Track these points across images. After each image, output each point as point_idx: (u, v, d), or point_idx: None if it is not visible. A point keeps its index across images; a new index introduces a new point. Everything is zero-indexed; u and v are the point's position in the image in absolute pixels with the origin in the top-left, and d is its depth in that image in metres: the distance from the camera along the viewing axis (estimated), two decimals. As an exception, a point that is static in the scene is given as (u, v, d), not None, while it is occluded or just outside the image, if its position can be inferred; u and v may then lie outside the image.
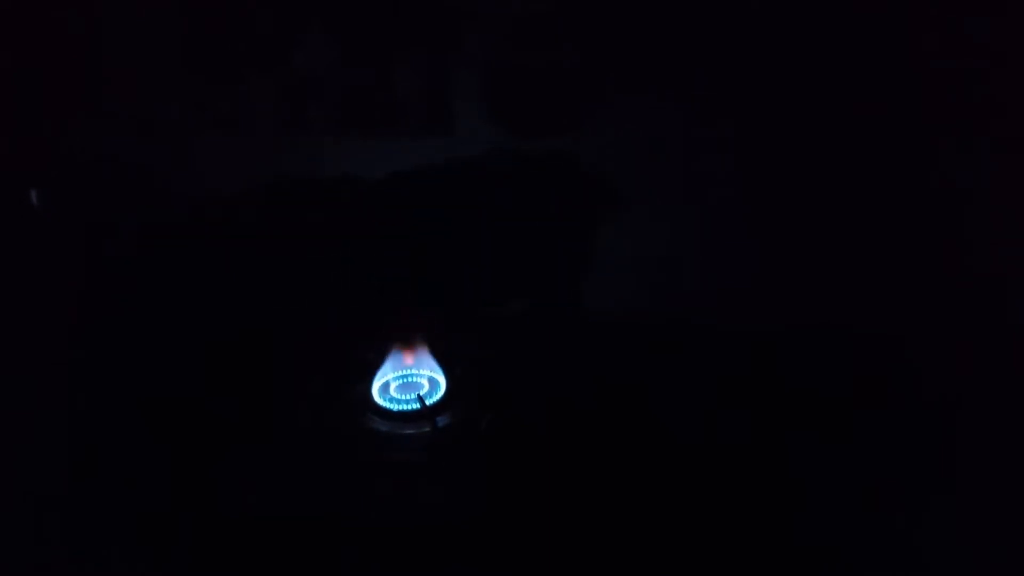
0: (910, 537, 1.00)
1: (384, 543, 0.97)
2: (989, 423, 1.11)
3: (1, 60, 1.16)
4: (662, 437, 1.13)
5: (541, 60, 1.20)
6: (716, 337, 1.29)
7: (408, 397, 1.16)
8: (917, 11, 1.12)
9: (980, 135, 1.18)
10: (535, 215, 1.30)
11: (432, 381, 1.20)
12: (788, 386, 1.20)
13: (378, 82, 1.21)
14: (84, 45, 1.17)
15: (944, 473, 1.07)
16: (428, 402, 1.15)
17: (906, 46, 1.15)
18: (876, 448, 1.10)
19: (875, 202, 1.24)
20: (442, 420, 1.14)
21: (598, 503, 1.03)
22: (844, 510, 1.03)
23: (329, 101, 1.23)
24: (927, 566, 0.97)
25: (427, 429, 1.12)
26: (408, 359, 1.21)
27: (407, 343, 1.22)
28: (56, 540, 0.96)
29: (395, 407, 1.15)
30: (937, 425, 1.13)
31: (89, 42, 1.17)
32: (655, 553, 0.97)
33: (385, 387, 1.19)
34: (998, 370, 1.17)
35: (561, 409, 1.18)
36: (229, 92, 1.21)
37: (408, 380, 1.21)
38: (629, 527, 1.00)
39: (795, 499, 1.04)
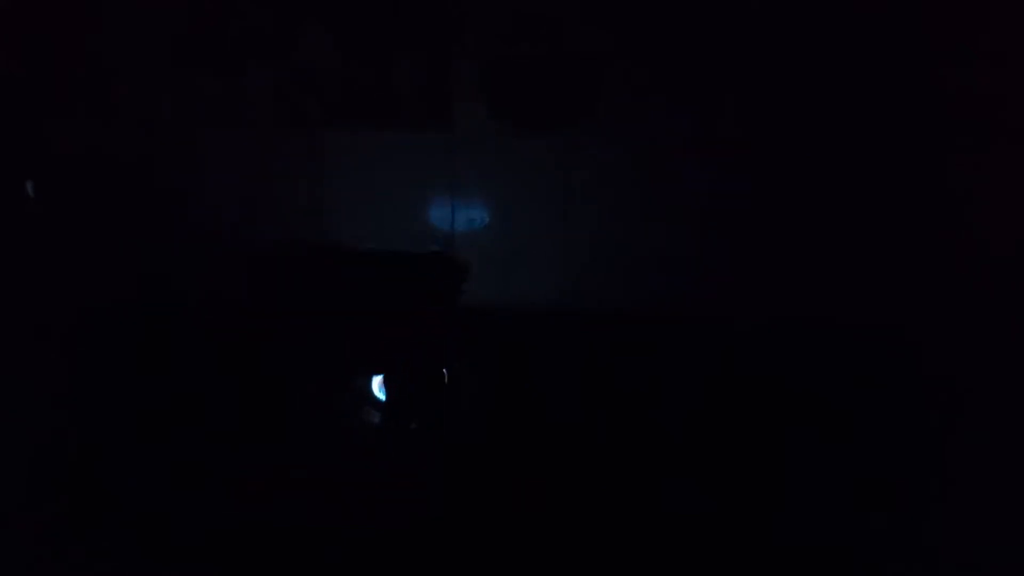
0: (909, 536, 1.00)
1: (381, 538, 0.98)
2: (988, 421, 1.12)
3: (1, 57, 1.15)
4: (661, 436, 1.14)
5: (541, 55, 1.19)
6: (714, 336, 1.29)
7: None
8: (913, 10, 1.11)
9: (978, 129, 1.17)
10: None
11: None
12: (787, 384, 1.21)
13: (378, 76, 1.20)
14: (83, 41, 1.17)
15: (942, 472, 1.08)
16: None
17: (899, 44, 1.14)
18: (874, 446, 1.11)
19: (872, 201, 1.23)
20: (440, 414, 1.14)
21: (596, 501, 1.03)
22: (842, 509, 1.03)
23: (329, 95, 1.22)
24: (926, 565, 0.98)
25: (426, 424, 1.13)
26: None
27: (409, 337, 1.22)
28: (56, 540, 0.97)
29: (393, 402, 1.16)
30: (936, 424, 1.13)
31: (88, 38, 1.17)
32: (653, 551, 0.98)
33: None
34: (997, 368, 1.17)
35: (560, 405, 1.18)
36: (229, 86, 1.21)
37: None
38: (627, 525, 1.01)
39: (793, 498, 1.05)
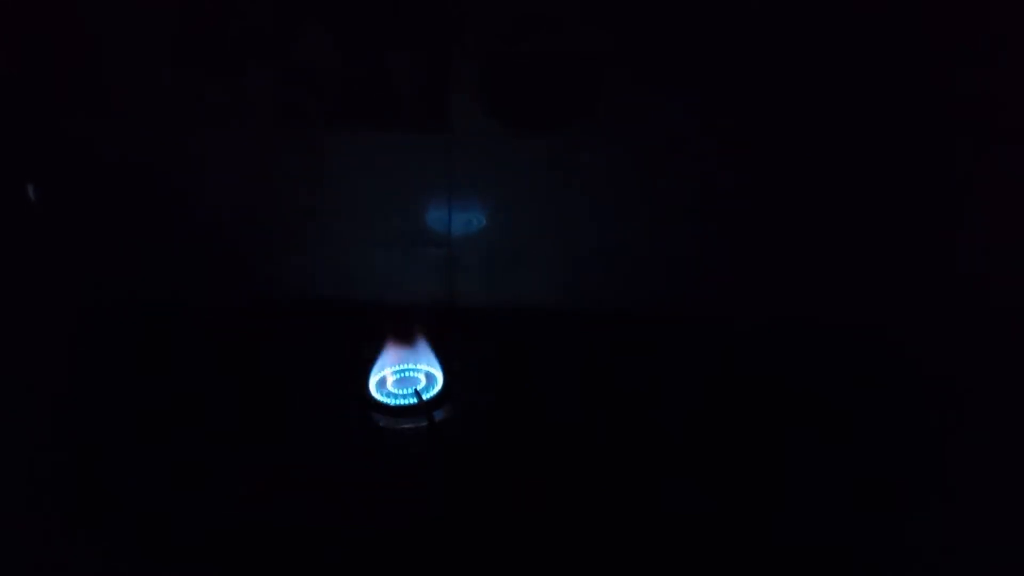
0: (909, 536, 1.00)
1: (381, 538, 0.98)
2: (988, 421, 1.12)
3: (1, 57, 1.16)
4: (661, 436, 1.14)
5: (541, 55, 1.19)
6: (714, 336, 1.29)
7: (405, 392, 1.17)
8: (913, 10, 1.11)
9: (978, 129, 1.17)
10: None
11: (429, 376, 1.20)
12: (787, 384, 1.21)
13: (376, 77, 1.20)
14: (82, 39, 1.17)
15: (942, 472, 1.08)
16: (425, 397, 1.16)
17: (899, 44, 1.14)
18: (874, 446, 1.11)
19: (871, 201, 1.24)
20: (439, 415, 1.14)
21: (596, 501, 1.03)
22: (842, 509, 1.03)
23: (329, 95, 1.22)
24: (926, 565, 0.97)
25: (424, 424, 1.13)
26: (406, 354, 1.22)
27: (405, 338, 1.22)
28: (57, 540, 0.97)
29: (392, 402, 1.15)
30: (936, 423, 1.13)
31: (86, 36, 1.17)
32: (653, 551, 0.98)
33: (382, 382, 1.19)
34: (997, 368, 1.17)
35: (560, 405, 1.18)
36: (227, 85, 1.21)
37: (405, 375, 1.21)
38: (627, 525, 1.01)
39: (793, 498, 1.05)
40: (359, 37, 1.18)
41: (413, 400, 1.15)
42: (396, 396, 1.17)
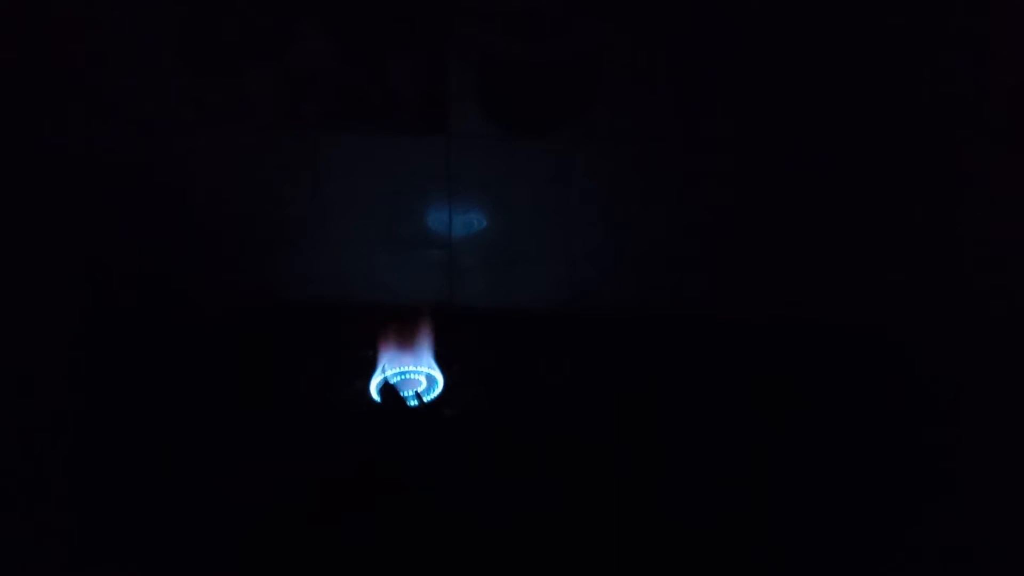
0: (908, 536, 1.00)
1: (381, 538, 0.98)
2: (988, 421, 1.12)
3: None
4: (661, 436, 1.14)
5: (539, 55, 1.19)
6: (715, 336, 1.29)
7: (406, 394, 1.17)
8: (914, 10, 1.11)
9: (980, 129, 1.17)
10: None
11: (429, 378, 1.21)
12: (787, 384, 1.21)
13: (374, 78, 1.20)
14: (82, 39, 1.17)
15: (942, 472, 1.08)
16: (425, 399, 1.16)
17: (900, 43, 1.14)
18: (873, 446, 1.11)
19: (873, 201, 1.24)
20: (439, 417, 1.15)
21: (596, 501, 1.04)
22: (842, 509, 1.03)
23: (326, 97, 1.22)
24: (925, 565, 0.98)
25: (424, 426, 1.13)
26: (406, 356, 1.22)
27: (406, 340, 1.22)
28: (57, 540, 0.97)
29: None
30: (935, 424, 1.13)
31: (87, 36, 1.17)
32: (653, 552, 0.98)
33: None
34: (998, 368, 1.17)
35: (560, 405, 1.19)
36: (224, 87, 1.21)
37: (406, 377, 1.21)
38: (627, 525, 1.01)
39: (793, 498, 1.05)
40: (358, 38, 1.18)
41: (414, 403, 1.16)
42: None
